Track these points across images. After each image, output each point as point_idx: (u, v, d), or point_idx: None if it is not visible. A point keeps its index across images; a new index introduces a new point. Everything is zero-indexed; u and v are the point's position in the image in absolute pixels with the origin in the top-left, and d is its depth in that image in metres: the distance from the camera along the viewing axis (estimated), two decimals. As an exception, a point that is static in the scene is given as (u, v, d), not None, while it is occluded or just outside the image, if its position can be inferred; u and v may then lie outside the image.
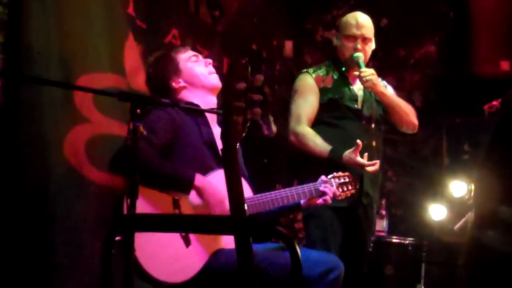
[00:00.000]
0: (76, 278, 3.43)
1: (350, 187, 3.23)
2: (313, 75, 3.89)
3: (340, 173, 3.23)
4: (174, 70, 3.19)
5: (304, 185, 3.08)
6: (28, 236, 3.31)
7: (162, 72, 3.19)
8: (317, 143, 3.74)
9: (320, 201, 3.08)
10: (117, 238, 1.86)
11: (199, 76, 3.18)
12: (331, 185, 3.15)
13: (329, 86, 3.87)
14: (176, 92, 3.18)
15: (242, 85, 1.75)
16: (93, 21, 3.65)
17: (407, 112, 3.87)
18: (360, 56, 3.80)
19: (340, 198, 3.19)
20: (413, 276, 4.29)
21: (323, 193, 3.08)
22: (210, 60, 3.25)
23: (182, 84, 3.18)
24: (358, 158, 3.54)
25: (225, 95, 1.77)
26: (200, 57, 3.26)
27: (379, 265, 4.25)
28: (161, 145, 2.88)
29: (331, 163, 3.56)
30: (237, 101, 1.74)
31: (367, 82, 3.72)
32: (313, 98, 3.85)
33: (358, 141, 3.53)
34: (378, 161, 3.60)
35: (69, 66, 3.53)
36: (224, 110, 1.74)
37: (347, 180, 3.23)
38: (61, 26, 3.52)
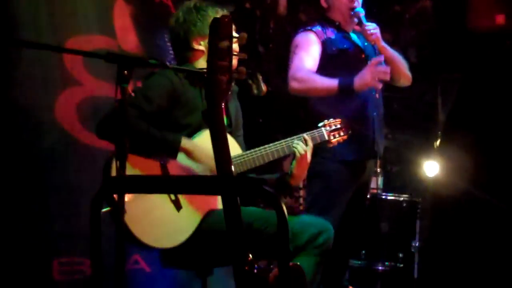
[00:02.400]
0: (73, 242, 3.46)
1: (342, 133, 3.19)
2: (314, 30, 3.79)
3: (331, 120, 3.19)
4: (201, 30, 2.95)
5: (277, 143, 3.02)
6: (24, 204, 3.33)
7: (190, 25, 2.95)
8: (324, 79, 3.62)
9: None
10: (104, 210, 1.86)
11: None
12: (320, 134, 3.10)
13: (333, 37, 3.80)
14: (193, 54, 2.99)
15: (225, 44, 1.73)
16: (82, -18, 3.61)
17: (404, 65, 3.86)
18: (362, 11, 3.75)
19: (332, 145, 3.17)
20: (408, 232, 4.30)
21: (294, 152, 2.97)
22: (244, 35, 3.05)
23: (201, 47, 2.96)
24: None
25: (209, 54, 1.75)
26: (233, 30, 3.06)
27: (374, 222, 4.26)
28: (152, 112, 2.82)
29: (327, 115, 3.46)
30: (221, 60, 1.72)
31: (372, 35, 3.69)
32: (316, 50, 3.74)
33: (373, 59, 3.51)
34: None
35: (58, 29, 3.50)
36: (208, 69, 1.71)
37: (338, 126, 3.19)
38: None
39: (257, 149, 2.96)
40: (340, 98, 3.61)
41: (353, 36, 3.86)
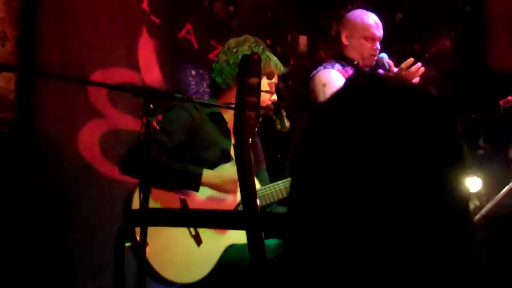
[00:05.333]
0: (91, 272, 3.47)
1: None
2: (334, 68, 3.76)
3: None
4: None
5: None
6: (44, 231, 3.34)
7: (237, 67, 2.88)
8: None
9: None
10: (127, 245, 1.85)
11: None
12: None
13: None
14: (228, 92, 2.98)
15: (255, 80, 1.75)
16: (108, 16, 3.67)
17: None
18: (386, 57, 3.72)
19: None
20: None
21: None
22: (275, 97, 3.07)
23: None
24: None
25: (238, 90, 1.77)
26: (273, 87, 3.04)
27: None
28: (172, 146, 2.83)
29: None
30: (250, 96, 1.74)
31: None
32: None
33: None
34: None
35: (83, 61, 3.55)
36: (237, 105, 1.73)
37: None
38: (76, 21, 3.54)
39: (275, 183, 2.96)
40: None
41: None
